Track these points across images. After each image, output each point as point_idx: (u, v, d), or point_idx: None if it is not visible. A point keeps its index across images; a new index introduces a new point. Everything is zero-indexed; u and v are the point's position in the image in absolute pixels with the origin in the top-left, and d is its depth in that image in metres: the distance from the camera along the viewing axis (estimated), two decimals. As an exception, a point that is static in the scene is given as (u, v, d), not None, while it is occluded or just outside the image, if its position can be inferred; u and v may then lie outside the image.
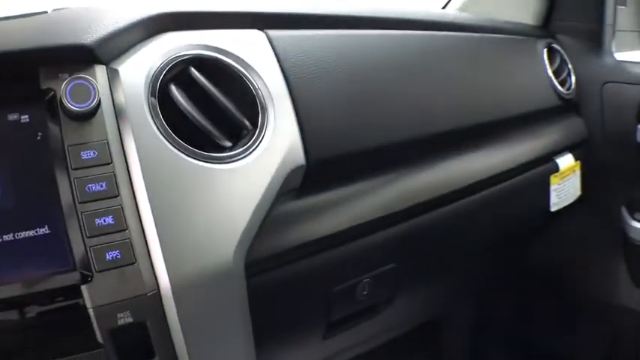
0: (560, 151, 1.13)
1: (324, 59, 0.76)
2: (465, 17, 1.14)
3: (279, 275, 0.72)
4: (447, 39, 0.99)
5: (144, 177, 0.55)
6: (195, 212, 0.57)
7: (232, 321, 0.61)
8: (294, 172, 0.67)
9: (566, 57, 1.22)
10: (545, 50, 1.18)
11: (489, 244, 1.14)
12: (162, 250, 0.54)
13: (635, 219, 1.30)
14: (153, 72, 0.61)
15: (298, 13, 0.80)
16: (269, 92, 0.67)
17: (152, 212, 0.54)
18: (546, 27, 1.30)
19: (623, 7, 1.31)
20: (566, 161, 1.13)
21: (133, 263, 0.53)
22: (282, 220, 0.69)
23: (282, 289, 0.74)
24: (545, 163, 1.09)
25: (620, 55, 1.29)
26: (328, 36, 0.79)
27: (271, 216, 0.65)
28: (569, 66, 1.23)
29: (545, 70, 1.15)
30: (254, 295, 0.64)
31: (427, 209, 0.87)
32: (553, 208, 1.11)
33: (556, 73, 1.18)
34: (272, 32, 0.73)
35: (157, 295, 0.53)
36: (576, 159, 1.17)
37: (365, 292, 0.82)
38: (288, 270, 0.73)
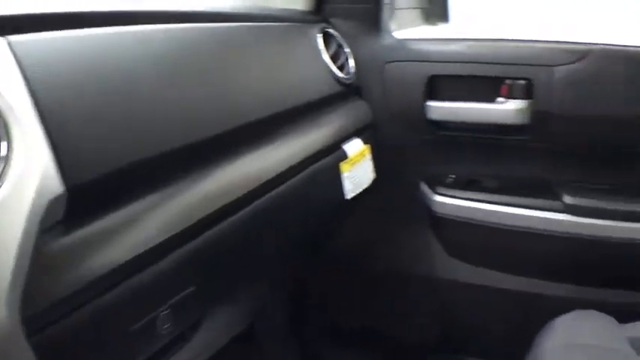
0: (347, 138, 1.12)
1: (77, 65, 0.66)
2: (231, 7, 1.09)
3: (69, 324, 0.60)
4: (213, 31, 0.93)
5: None
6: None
7: None
8: (53, 202, 0.57)
9: (342, 41, 1.22)
10: (320, 36, 1.16)
11: (291, 241, 1.12)
12: None
13: (436, 192, 1.35)
14: None
15: (48, 13, 0.69)
16: (12, 110, 0.57)
17: None
18: (320, 12, 1.29)
19: None
20: (354, 147, 1.12)
21: None
22: (54, 260, 0.58)
23: (76, 339, 0.62)
24: (334, 151, 1.08)
25: (400, 34, 1.33)
26: (81, 37, 0.69)
27: (40, 257, 0.55)
28: (347, 49, 1.22)
29: (322, 56, 1.13)
30: (43, 354, 0.54)
31: (218, 218, 0.81)
32: (349, 196, 1.11)
33: (333, 58, 1.16)
34: (14, 38, 0.61)
35: None
36: (365, 142, 1.17)
37: (166, 325, 0.75)
38: (78, 316, 0.63)
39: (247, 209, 0.86)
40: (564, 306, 1.08)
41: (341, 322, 1.59)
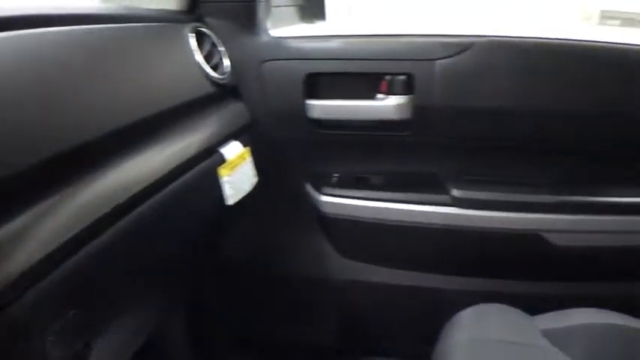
0: (224, 140, 1.09)
1: None
2: (97, 8, 1.03)
3: None
4: (79, 34, 0.87)
5: None
6: None
7: None
8: None
9: (215, 40, 1.18)
10: (193, 35, 1.12)
11: (176, 251, 1.07)
12: None
13: (321, 192, 1.35)
14: None
15: None
16: None
17: None
18: (194, 11, 1.25)
19: None
20: (232, 150, 1.09)
21: None
22: None
23: None
24: (210, 155, 1.04)
25: (277, 32, 1.31)
26: None
27: None
28: (221, 49, 1.19)
29: (194, 56, 1.09)
30: None
31: (94, 233, 0.75)
32: (230, 201, 1.07)
33: (208, 59, 1.13)
34: None
35: None
36: (245, 145, 1.15)
37: (55, 350, 0.69)
38: None
39: (126, 219, 0.81)
40: (466, 299, 1.12)
41: (244, 329, 1.58)
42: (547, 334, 1.05)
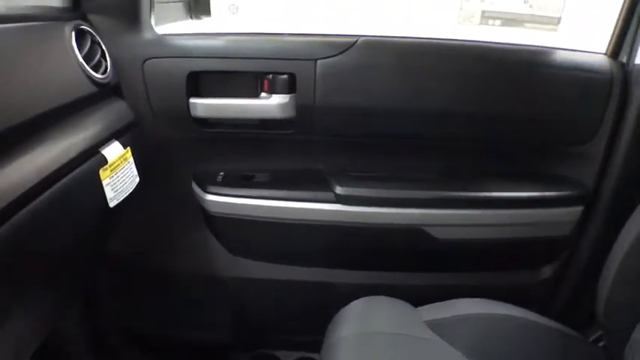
0: (105, 141, 1.10)
1: None
2: None
3: None
4: None
5: None
6: None
7: None
8: None
9: (98, 38, 1.20)
10: (74, 33, 1.12)
11: (62, 254, 1.08)
12: None
13: (207, 191, 1.40)
14: None
15: None
16: None
17: None
18: (77, 8, 1.25)
19: None
20: (114, 151, 1.11)
21: None
22: None
23: None
24: (92, 156, 1.06)
25: (161, 29, 1.33)
26: None
27: None
28: (103, 47, 1.20)
29: (74, 55, 1.10)
30: None
31: None
32: (112, 204, 1.10)
33: (89, 57, 1.14)
34: None
35: None
36: (127, 145, 1.17)
37: None
38: None
39: (6, 225, 0.82)
40: (354, 292, 1.20)
41: (137, 327, 1.61)
42: (432, 325, 1.13)
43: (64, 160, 0.97)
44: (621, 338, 1.06)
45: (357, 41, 1.30)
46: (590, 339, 1.46)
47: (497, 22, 1.46)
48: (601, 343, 1.38)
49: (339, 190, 1.38)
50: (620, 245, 1.07)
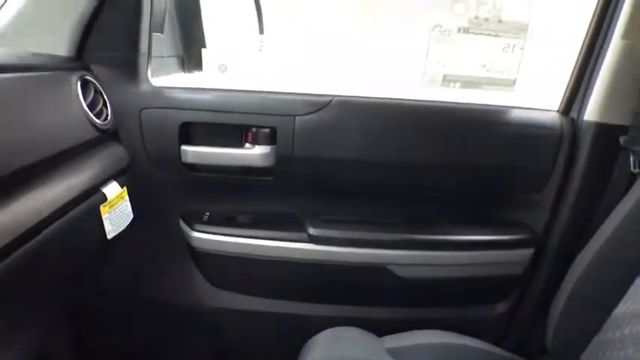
0: (106, 181, 1.22)
1: None
2: None
3: None
4: None
5: None
6: None
7: None
8: None
9: (100, 88, 1.31)
10: (79, 83, 1.23)
11: (61, 283, 1.19)
12: None
13: (193, 229, 1.51)
14: None
15: None
16: None
17: None
18: (80, 58, 1.36)
19: (159, 34, 1.46)
20: (112, 190, 1.23)
21: None
22: None
23: None
24: (93, 194, 1.17)
25: (157, 81, 1.45)
26: None
27: None
28: (105, 97, 1.32)
29: (80, 103, 1.21)
30: None
31: None
32: (109, 236, 1.21)
33: (92, 105, 1.25)
34: None
35: None
36: (123, 185, 1.28)
37: None
38: None
39: (14, 255, 0.91)
40: (324, 324, 1.29)
41: (128, 354, 1.68)
42: (392, 352, 1.22)
43: (70, 197, 1.08)
44: None
45: (331, 100, 1.43)
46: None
47: (458, 84, 1.58)
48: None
49: (311, 231, 1.50)
50: (566, 284, 1.19)
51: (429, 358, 1.25)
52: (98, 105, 1.29)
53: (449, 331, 1.35)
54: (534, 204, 1.58)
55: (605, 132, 1.48)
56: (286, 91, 1.47)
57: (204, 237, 1.51)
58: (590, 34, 1.50)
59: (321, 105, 1.43)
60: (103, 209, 1.19)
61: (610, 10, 1.45)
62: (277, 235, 1.51)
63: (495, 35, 1.50)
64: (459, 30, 1.51)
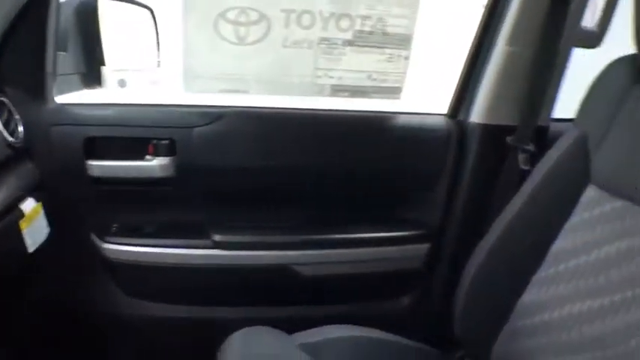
0: (22, 197, 1.27)
1: None
2: None
3: None
4: None
5: None
6: None
7: None
8: None
9: (12, 108, 1.34)
10: None
11: None
12: None
13: (104, 241, 1.56)
14: None
15: None
16: None
17: None
18: None
19: (63, 52, 1.51)
20: (29, 205, 1.28)
21: None
22: None
23: None
24: (12, 211, 1.22)
25: (63, 98, 1.50)
26: None
27: None
28: (17, 116, 1.35)
29: None
30: None
31: None
32: (30, 249, 1.27)
33: (5, 124, 1.29)
34: None
35: None
36: (38, 200, 1.33)
37: None
38: None
39: None
40: (236, 325, 1.31)
41: None
42: (304, 347, 1.25)
43: None
44: (482, 355, 1.22)
45: (226, 112, 1.51)
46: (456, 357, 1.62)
47: (346, 93, 1.70)
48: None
49: (216, 237, 1.57)
50: (466, 277, 1.23)
51: (339, 351, 1.29)
52: (11, 124, 1.33)
53: (354, 324, 1.39)
54: (428, 202, 1.70)
55: (491, 132, 1.61)
56: (183, 103, 1.56)
57: (114, 248, 1.56)
58: (476, 41, 1.64)
59: (216, 116, 1.51)
60: (23, 225, 1.25)
61: (495, 18, 1.58)
62: (183, 243, 1.58)
63: (380, 47, 1.63)
64: (344, 43, 1.63)
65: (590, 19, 1.56)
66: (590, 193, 1.17)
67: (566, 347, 1.07)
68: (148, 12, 1.63)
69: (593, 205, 1.15)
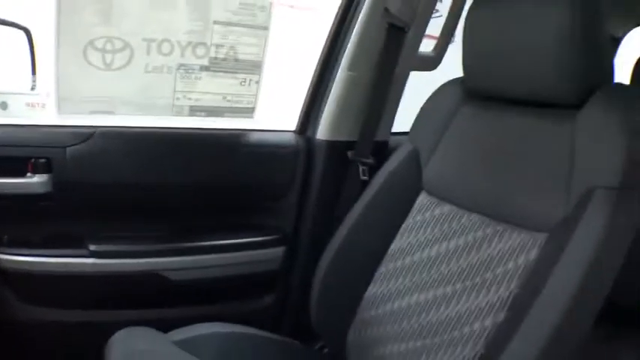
0: None
1: None
2: None
3: None
4: None
5: None
6: None
7: None
8: None
9: None
10: None
11: None
12: None
13: None
14: None
15: None
16: None
17: None
18: None
19: None
20: None
21: None
22: None
23: None
24: None
25: None
26: None
27: None
28: None
29: None
30: None
31: None
32: None
33: None
34: None
35: None
36: None
37: None
38: None
39: None
40: (117, 327, 1.41)
41: None
42: (179, 344, 1.34)
43: None
44: (338, 344, 1.38)
45: (95, 132, 1.61)
46: (316, 348, 1.80)
47: (203, 113, 1.87)
48: (325, 351, 1.74)
49: (92, 247, 1.67)
50: (318, 276, 1.41)
51: (211, 345, 1.40)
52: None
53: (228, 322, 1.51)
54: (282, 210, 1.88)
55: (335, 147, 1.82)
56: (57, 124, 1.62)
57: (6, 258, 1.64)
58: (320, 66, 1.83)
59: (86, 136, 1.61)
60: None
61: (337, 46, 1.78)
62: (64, 253, 1.67)
63: (233, 72, 1.83)
64: (201, 68, 1.81)
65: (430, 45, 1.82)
66: (422, 199, 1.36)
67: (408, 334, 1.21)
68: (24, 33, 1.67)
69: (424, 209, 1.33)
